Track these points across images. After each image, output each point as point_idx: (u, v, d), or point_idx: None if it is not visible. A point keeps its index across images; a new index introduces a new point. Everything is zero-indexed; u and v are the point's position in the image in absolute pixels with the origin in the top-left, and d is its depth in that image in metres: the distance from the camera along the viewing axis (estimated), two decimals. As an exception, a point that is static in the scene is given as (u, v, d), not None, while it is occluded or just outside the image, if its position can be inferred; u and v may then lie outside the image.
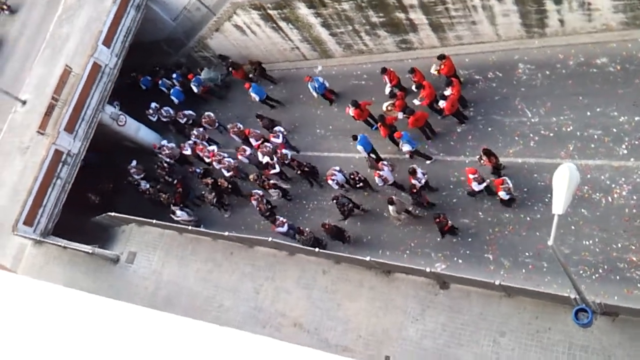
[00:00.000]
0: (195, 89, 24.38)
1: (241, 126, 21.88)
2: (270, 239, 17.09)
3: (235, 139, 22.13)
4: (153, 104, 24.68)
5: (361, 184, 18.66)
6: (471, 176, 16.10)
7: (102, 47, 22.52)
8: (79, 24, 24.41)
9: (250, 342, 2.11)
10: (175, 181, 23.25)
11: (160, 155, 23.55)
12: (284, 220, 18.89)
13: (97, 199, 24.37)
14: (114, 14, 22.90)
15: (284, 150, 20.15)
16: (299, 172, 19.93)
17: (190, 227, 19.99)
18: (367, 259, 15.02)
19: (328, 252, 16.77)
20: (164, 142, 23.90)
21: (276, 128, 20.83)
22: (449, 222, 16.46)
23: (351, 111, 19.40)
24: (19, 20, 28.21)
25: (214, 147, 22.30)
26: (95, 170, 25.13)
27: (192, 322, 2.30)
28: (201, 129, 23.28)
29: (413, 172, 16.85)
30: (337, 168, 18.70)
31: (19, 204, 21.00)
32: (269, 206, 19.92)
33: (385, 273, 15.50)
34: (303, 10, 20.35)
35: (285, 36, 22.33)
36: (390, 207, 17.10)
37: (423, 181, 17.17)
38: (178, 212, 21.54)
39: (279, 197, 20.43)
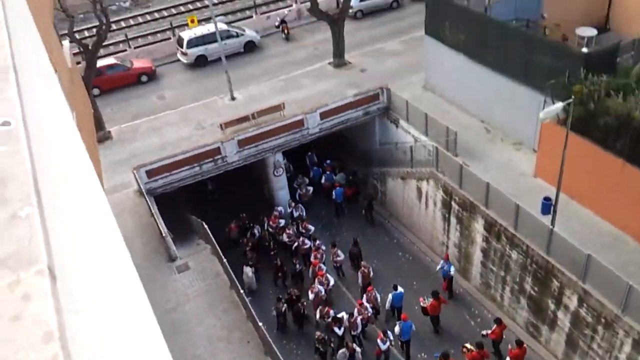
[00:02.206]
0: (322, 180, 27.02)
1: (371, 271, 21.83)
2: (264, 327, 17.10)
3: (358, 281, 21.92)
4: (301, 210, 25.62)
5: None
6: None
7: (317, 115, 24.35)
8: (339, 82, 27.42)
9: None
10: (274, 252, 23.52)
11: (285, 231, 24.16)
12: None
13: (234, 228, 24.52)
14: (348, 101, 24.97)
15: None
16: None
17: (242, 291, 19.86)
18: None
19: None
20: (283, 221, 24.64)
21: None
22: None
23: (427, 301, 19.50)
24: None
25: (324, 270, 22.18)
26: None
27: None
28: (322, 251, 22.93)
29: None
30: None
31: (155, 157, 22.77)
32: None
33: None
34: (478, 226, 20.34)
35: (447, 230, 22.36)
36: None
37: None
38: (249, 273, 21.95)
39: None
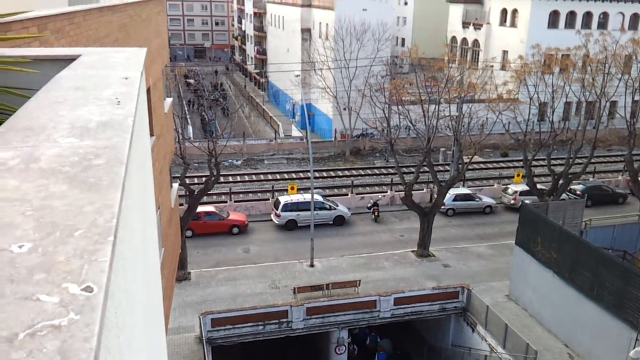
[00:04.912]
0: (367, 341, 27.37)
1: None
2: None
3: None
4: None
5: None
6: None
7: (391, 299, 23.85)
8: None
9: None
10: None
11: None
12: None
13: None
14: (426, 292, 24.41)
15: None
16: None
17: None
18: None
19: None
20: None
21: None
22: None
23: None
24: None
25: None
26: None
27: None
28: None
29: None
30: None
31: (225, 306, 22.95)
32: None
33: None
34: None
35: None
36: None
37: None
38: None
39: None
